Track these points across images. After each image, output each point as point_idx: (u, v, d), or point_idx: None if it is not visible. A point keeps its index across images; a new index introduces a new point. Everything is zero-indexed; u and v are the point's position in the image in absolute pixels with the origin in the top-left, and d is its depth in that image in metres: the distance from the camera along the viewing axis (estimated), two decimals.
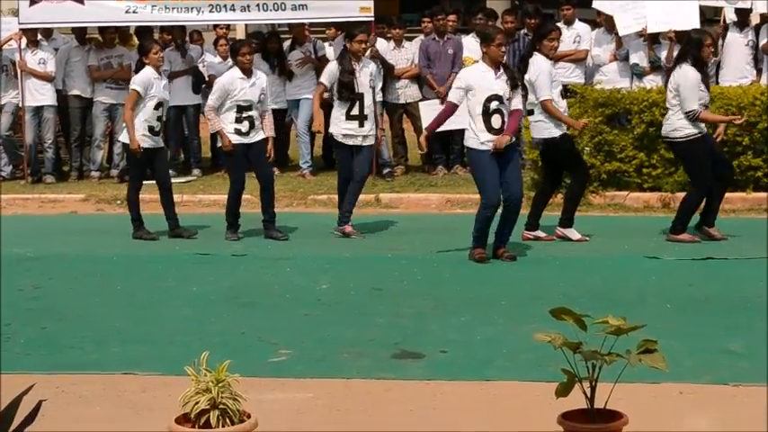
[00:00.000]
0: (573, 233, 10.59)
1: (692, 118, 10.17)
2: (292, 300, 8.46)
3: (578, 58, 14.43)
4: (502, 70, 9.65)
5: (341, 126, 10.97)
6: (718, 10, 14.87)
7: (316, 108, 11.42)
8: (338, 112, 11.00)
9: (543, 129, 10.33)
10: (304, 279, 9.23)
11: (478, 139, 9.60)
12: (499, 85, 9.58)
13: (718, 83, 13.61)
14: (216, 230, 11.20)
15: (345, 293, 8.67)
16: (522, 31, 14.62)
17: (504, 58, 9.82)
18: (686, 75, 10.19)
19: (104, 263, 9.94)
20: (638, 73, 14.00)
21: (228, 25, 15.38)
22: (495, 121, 9.57)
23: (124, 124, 11.28)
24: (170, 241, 11.02)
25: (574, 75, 14.25)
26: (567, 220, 10.66)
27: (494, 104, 9.55)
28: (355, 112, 10.96)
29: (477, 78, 9.66)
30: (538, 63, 10.16)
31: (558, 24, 12.44)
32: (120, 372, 6.52)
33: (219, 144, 11.13)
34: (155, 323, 7.78)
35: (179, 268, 9.77)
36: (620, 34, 13.95)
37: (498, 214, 9.79)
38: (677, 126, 10.29)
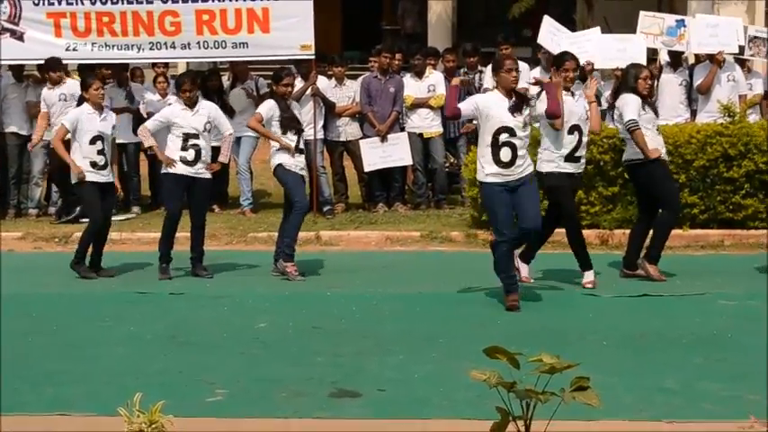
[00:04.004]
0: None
1: (630, 129, 10.16)
2: (230, 338, 8.42)
3: None
4: (515, 100, 9.27)
5: (294, 159, 10.85)
6: (654, 51, 15.08)
7: (267, 132, 10.88)
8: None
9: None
10: (242, 317, 9.19)
11: (484, 170, 9.28)
12: (512, 117, 9.24)
13: None
14: (154, 269, 11.11)
15: (284, 332, 8.64)
16: (461, 70, 14.79)
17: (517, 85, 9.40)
18: (625, 99, 10.27)
19: (41, 302, 9.82)
20: None
21: (167, 63, 15.32)
22: (505, 154, 9.18)
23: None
24: (107, 280, 10.91)
25: None
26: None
27: (503, 137, 9.17)
28: (301, 145, 10.97)
29: (492, 105, 9.25)
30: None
31: None
32: (56, 413, 6.45)
33: (164, 170, 11.03)
34: (91, 363, 7.70)
35: (116, 307, 9.67)
36: None
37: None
38: (639, 150, 10.30)
